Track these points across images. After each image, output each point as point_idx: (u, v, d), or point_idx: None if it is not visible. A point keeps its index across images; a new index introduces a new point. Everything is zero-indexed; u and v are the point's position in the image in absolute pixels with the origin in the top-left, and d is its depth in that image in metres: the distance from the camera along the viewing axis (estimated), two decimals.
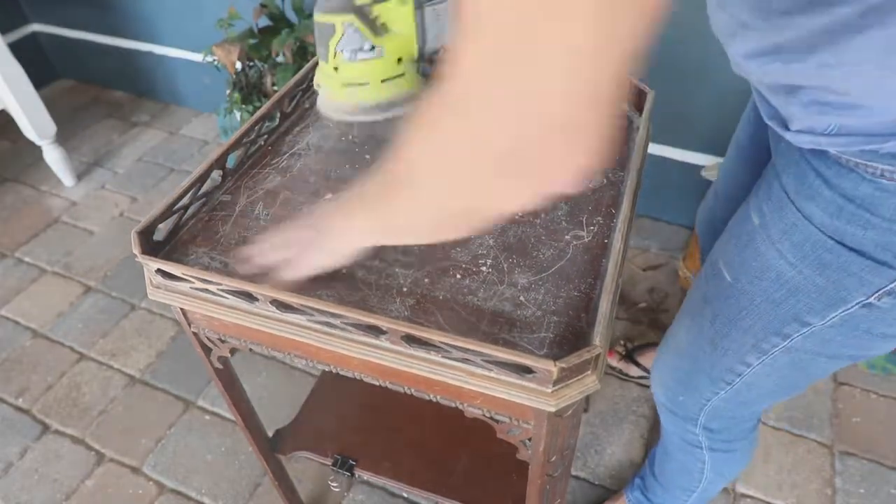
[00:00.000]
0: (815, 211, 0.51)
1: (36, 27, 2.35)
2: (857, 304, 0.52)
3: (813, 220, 0.51)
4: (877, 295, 0.50)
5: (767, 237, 0.56)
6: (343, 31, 0.60)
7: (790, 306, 0.56)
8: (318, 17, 0.60)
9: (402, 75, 0.63)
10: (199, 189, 0.66)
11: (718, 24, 0.54)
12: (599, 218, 0.64)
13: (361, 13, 0.59)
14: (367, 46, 0.60)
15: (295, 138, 0.77)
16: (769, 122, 0.55)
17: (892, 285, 0.49)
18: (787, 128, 0.52)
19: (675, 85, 1.41)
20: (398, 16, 0.59)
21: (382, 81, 0.63)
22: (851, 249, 0.49)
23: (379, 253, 0.61)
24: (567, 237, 0.62)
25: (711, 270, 0.66)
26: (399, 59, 0.62)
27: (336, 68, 0.63)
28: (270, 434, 0.96)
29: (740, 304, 0.61)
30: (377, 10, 0.59)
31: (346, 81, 0.63)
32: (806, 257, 0.53)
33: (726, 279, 0.62)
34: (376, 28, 0.59)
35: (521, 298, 0.56)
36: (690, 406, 0.76)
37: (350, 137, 0.75)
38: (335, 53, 0.62)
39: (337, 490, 1.20)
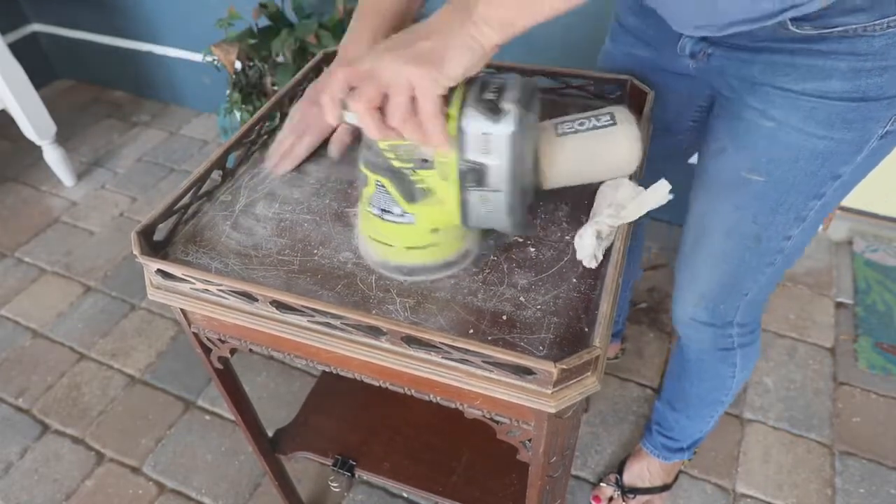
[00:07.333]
0: (833, 86, 0.59)
1: (36, 27, 2.35)
2: (876, 137, 0.62)
3: (830, 95, 0.59)
4: (890, 122, 0.60)
5: (791, 128, 0.63)
6: (374, 187, 0.55)
7: (827, 169, 0.64)
8: (359, 165, 0.56)
9: (433, 245, 0.57)
10: (199, 189, 0.67)
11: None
12: None
13: (396, 176, 0.53)
14: (396, 210, 0.54)
15: None
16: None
17: None
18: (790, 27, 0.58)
19: None
20: (442, 187, 0.53)
21: (408, 248, 0.57)
22: (872, 99, 0.58)
23: None
24: (567, 237, 0.62)
25: (734, 183, 0.71)
26: (435, 230, 0.56)
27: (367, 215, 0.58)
28: (270, 434, 0.96)
29: (778, 191, 0.68)
30: (423, 174, 0.53)
31: (372, 235, 0.58)
32: (833, 125, 0.61)
33: (757, 181, 0.68)
34: (412, 193, 0.53)
35: (522, 299, 0.56)
36: (729, 310, 0.83)
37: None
38: (367, 204, 0.57)
39: (337, 490, 1.19)
